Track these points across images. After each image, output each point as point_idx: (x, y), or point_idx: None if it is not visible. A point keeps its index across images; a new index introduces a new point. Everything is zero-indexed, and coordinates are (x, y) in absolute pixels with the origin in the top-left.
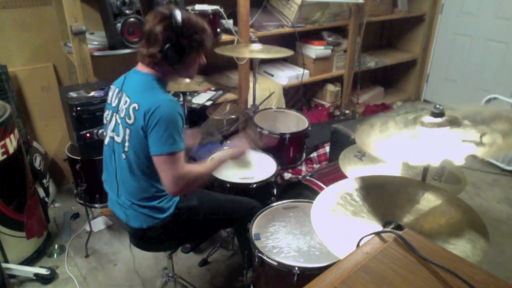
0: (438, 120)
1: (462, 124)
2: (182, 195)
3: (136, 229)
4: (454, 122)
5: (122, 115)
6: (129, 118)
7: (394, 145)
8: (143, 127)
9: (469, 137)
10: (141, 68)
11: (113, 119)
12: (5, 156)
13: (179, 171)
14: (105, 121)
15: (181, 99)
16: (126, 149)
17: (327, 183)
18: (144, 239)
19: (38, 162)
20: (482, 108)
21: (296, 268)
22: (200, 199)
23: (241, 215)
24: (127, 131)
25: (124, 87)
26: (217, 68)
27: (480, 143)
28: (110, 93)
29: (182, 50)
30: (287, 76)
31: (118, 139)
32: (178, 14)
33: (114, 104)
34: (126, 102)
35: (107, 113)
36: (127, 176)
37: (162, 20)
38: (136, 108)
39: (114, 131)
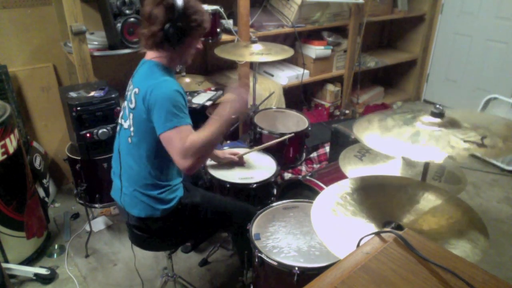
0: (438, 120)
1: (462, 125)
2: (186, 192)
3: (134, 218)
4: (454, 123)
5: (127, 99)
6: (131, 103)
7: (394, 140)
8: (144, 111)
9: (470, 138)
10: (147, 56)
11: (124, 107)
12: (5, 156)
13: (183, 143)
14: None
15: None
16: (132, 133)
17: (327, 183)
18: (143, 232)
19: (38, 162)
20: (479, 113)
21: (296, 268)
22: (203, 197)
23: (240, 218)
24: (131, 115)
25: (133, 76)
26: (217, 68)
27: (481, 145)
28: (127, 88)
29: (182, 30)
30: (287, 76)
31: (125, 125)
32: None
33: (126, 93)
34: (131, 89)
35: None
36: (130, 161)
37: (162, 1)
38: (137, 92)
39: (123, 117)
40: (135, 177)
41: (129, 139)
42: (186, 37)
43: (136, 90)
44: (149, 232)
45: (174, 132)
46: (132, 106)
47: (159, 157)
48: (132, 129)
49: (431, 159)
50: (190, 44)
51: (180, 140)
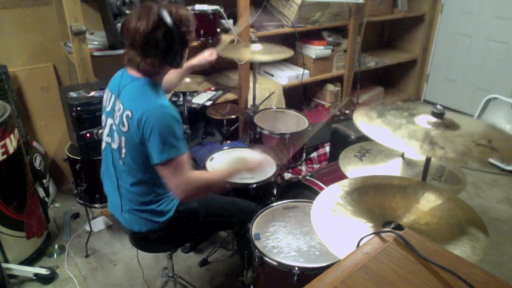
0: (441, 120)
1: (461, 127)
2: None
3: (135, 232)
4: (454, 125)
5: (116, 122)
6: (123, 126)
7: (408, 138)
8: (139, 135)
9: (480, 141)
10: (132, 71)
11: (108, 124)
12: (5, 156)
13: (182, 176)
14: (102, 124)
15: (181, 99)
16: (123, 155)
17: (327, 183)
18: (144, 241)
19: (38, 162)
20: (468, 117)
21: (296, 268)
22: (200, 202)
23: (240, 218)
24: (123, 138)
25: (119, 92)
26: (217, 68)
27: (493, 148)
28: (104, 96)
29: (182, 48)
30: (287, 76)
31: (114, 146)
32: (168, 17)
33: (108, 109)
34: (120, 109)
35: (103, 117)
36: (125, 182)
37: (157, 27)
38: (130, 115)
39: (110, 136)
40: (132, 196)
41: (121, 161)
42: (184, 51)
43: (129, 113)
44: (150, 241)
45: (172, 164)
46: (124, 129)
47: (154, 175)
48: (123, 151)
49: (456, 162)
50: (186, 53)
51: (176, 173)
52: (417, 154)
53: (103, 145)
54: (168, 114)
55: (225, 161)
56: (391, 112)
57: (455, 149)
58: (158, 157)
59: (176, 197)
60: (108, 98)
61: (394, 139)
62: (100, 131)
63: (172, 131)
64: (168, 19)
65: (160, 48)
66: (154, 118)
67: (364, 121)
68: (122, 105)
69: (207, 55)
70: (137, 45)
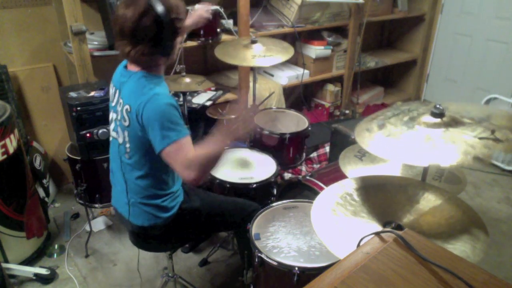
0: (442, 119)
1: (464, 122)
2: (186, 196)
3: (137, 226)
4: (456, 121)
5: (119, 117)
6: (125, 121)
7: (409, 147)
8: (139, 128)
9: (483, 134)
10: (130, 67)
11: (113, 118)
12: (5, 156)
13: (185, 157)
14: (109, 119)
15: (181, 99)
16: (128, 150)
17: (327, 183)
18: (144, 238)
19: (38, 162)
20: (471, 106)
21: (296, 268)
22: (202, 200)
23: (241, 218)
24: (126, 133)
25: (120, 86)
26: (217, 68)
27: (497, 139)
28: (110, 91)
29: (173, 36)
30: (287, 76)
31: (120, 140)
32: (156, 3)
33: (113, 104)
34: (121, 104)
35: (110, 112)
36: (131, 175)
37: (145, 13)
38: (128, 109)
39: (115, 131)
40: (138, 190)
41: (126, 155)
42: (175, 40)
43: (128, 107)
44: (151, 238)
45: (173, 147)
46: (126, 124)
47: (159, 169)
48: (128, 145)
49: (459, 163)
50: (177, 42)
51: (182, 153)
52: (418, 164)
53: (110, 139)
54: (161, 102)
55: (225, 161)
56: (391, 120)
57: (457, 150)
58: (159, 145)
59: (185, 180)
60: (113, 93)
61: (395, 153)
62: (101, 131)
63: (168, 117)
64: (156, 5)
65: (149, 35)
66: (149, 108)
67: (366, 138)
68: (122, 99)
69: (202, 12)
70: (126, 33)
